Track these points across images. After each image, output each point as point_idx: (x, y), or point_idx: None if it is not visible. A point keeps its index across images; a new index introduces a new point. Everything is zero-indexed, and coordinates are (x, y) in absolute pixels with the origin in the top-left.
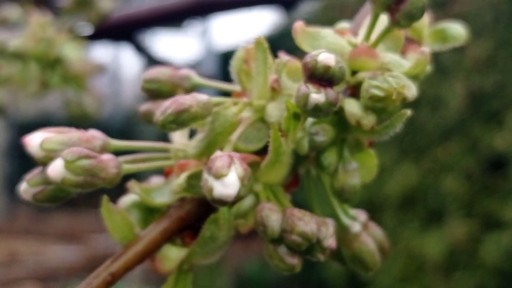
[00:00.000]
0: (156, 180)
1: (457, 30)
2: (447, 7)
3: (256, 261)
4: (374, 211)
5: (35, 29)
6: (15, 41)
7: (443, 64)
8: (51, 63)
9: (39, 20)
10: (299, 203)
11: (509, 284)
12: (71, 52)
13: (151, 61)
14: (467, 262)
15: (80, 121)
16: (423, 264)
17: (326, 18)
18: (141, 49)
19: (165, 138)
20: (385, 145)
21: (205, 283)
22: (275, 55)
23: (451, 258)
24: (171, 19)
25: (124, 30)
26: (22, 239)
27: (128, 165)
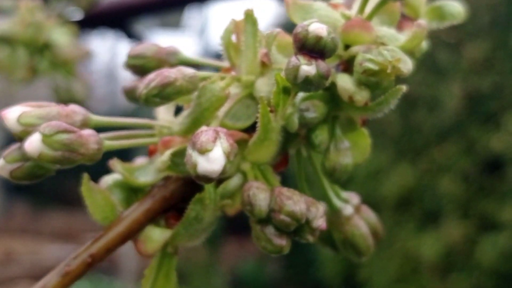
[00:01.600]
0: (140, 160)
1: (455, 7)
2: None
3: (252, 261)
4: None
5: (23, 14)
6: (2, 25)
7: (440, 65)
8: (40, 48)
9: (27, 4)
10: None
11: (505, 285)
12: (60, 37)
13: None
14: (463, 263)
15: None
16: (419, 265)
17: None
18: (133, 37)
19: None
20: (381, 145)
21: (200, 283)
22: None
23: (447, 259)
24: (164, 6)
25: (116, 17)
26: (19, 238)
27: (110, 142)
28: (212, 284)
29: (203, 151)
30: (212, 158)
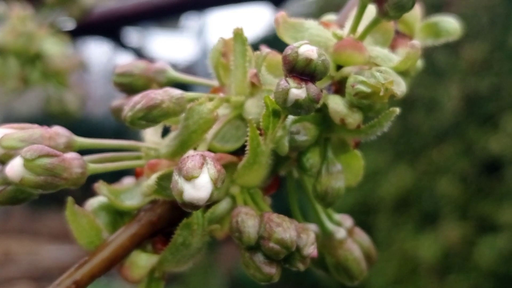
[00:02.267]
0: (128, 181)
1: (451, 24)
2: (443, 9)
3: None
4: (368, 213)
5: (14, 23)
6: None
7: (439, 67)
8: (31, 59)
9: (19, 14)
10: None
11: (503, 287)
12: (52, 47)
13: (140, 58)
14: (462, 264)
15: (61, 118)
16: (417, 267)
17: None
18: (125, 46)
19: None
20: (379, 147)
21: (198, 284)
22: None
23: (445, 261)
24: (159, 14)
25: (108, 26)
26: (16, 238)
27: (94, 165)
28: (210, 286)
29: (189, 178)
30: (199, 185)
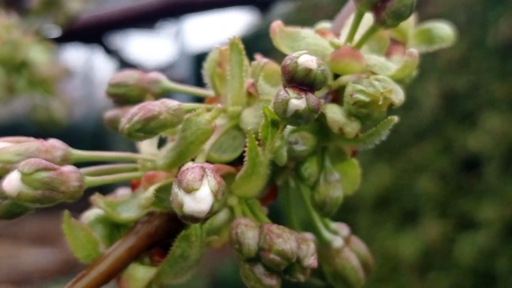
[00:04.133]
0: (122, 192)
1: (444, 30)
2: (420, 8)
3: (232, 263)
4: (349, 212)
5: (0, 31)
6: None
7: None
8: (17, 67)
9: (4, 22)
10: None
11: (484, 284)
12: (38, 55)
13: (123, 63)
14: (442, 262)
15: (48, 126)
16: (398, 265)
17: (300, 20)
18: (111, 52)
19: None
20: None
21: (180, 285)
22: (249, 57)
23: (426, 259)
24: (143, 20)
25: (94, 32)
26: None
27: (91, 178)
28: (193, 287)
29: (189, 190)
30: (199, 198)
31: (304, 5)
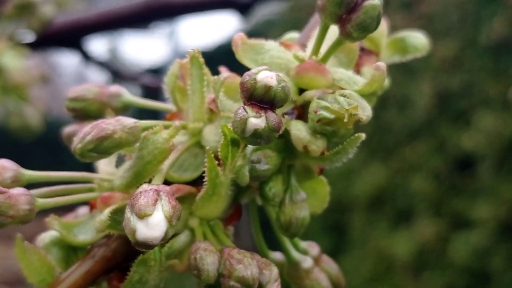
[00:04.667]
0: (83, 211)
1: (418, 39)
2: (413, 7)
3: None
4: (343, 211)
5: None
6: None
7: (410, 64)
8: None
9: None
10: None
11: (478, 283)
12: (11, 61)
13: (107, 68)
14: (436, 261)
15: (22, 134)
16: (392, 264)
17: (293, 19)
18: (88, 57)
19: None
20: None
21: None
22: (232, 64)
23: (420, 258)
24: (121, 23)
25: (71, 36)
26: None
27: (43, 200)
28: (186, 286)
29: (142, 216)
30: (152, 224)
31: (297, 4)
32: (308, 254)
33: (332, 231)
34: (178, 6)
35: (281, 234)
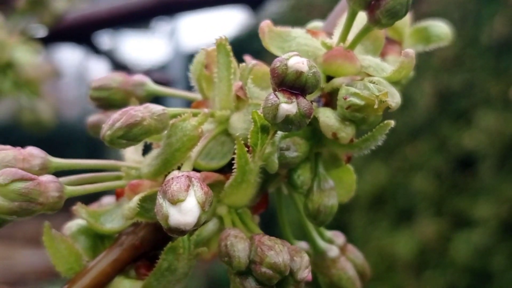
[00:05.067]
0: (108, 201)
1: (441, 28)
2: (414, 6)
3: None
4: (344, 211)
5: None
6: None
7: None
8: (2, 68)
9: None
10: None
11: (479, 282)
12: (24, 55)
13: (114, 64)
14: (438, 260)
15: (34, 129)
16: (393, 263)
17: (294, 19)
18: (100, 52)
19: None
20: None
21: None
22: (242, 58)
23: (421, 257)
24: (132, 19)
25: (82, 32)
26: None
27: (72, 187)
28: (187, 287)
29: (175, 202)
30: (185, 210)
31: (298, 3)
32: (334, 243)
33: (333, 230)
34: (191, 1)
35: (308, 224)
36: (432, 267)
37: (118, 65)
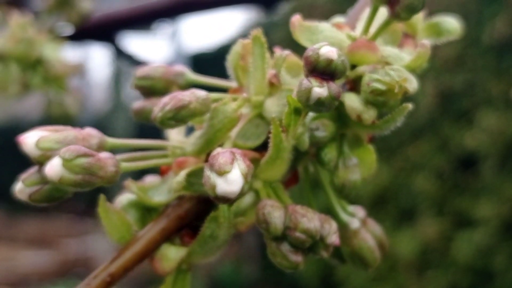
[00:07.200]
0: (150, 179)
1: (452, 24)
2: None
3: (229, 263)
4: None
5: (15, 30)
6: None
7: None
8: (32, 64)
9: (18, 20)
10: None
11: (481, 282)
12: (52, 52)
13: (133, 62)
14: (439, 260)
15: (62, 122)
16: (395, 263)
17: None
18: (121, 51)
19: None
20: None
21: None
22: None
23: (423, 257)
24: (152, 18)
25: (104, 30)
26: None
27: (126, 163)
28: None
29: (221, 173)
30: (231, 180)
31: (299, 5)
32: (355, 216)
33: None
34: (208, 1)
35: (332, 198)
36: (434, 266)
37: (139, 63)
